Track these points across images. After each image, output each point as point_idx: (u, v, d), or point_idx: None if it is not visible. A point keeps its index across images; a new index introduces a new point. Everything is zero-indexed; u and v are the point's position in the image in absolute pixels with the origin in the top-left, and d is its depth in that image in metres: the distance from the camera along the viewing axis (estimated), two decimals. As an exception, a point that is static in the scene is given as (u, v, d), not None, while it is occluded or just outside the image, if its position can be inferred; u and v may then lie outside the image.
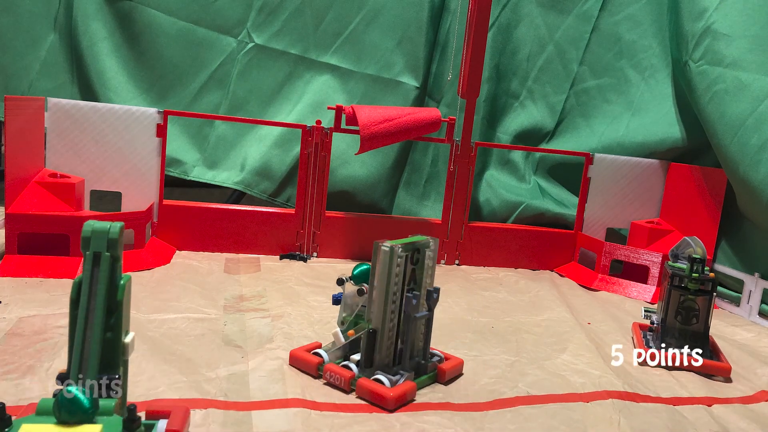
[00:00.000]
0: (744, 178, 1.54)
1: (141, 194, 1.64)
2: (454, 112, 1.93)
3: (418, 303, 0.99)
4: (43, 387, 0.86)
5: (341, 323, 1.02)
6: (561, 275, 1.83)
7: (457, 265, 1.83)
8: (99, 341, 0.66)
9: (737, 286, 1.65)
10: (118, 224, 0.67)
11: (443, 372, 1.01)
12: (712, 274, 1.19)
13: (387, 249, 0.95)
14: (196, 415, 0.82)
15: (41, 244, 1.40)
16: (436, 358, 1.04)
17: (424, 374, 0.99)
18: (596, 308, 1.51)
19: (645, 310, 1.30)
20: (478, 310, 1.41)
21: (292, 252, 1.73)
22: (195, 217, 1.68)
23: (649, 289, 1.66)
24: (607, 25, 2.03)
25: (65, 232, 1.39)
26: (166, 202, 1.67)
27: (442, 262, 1.83)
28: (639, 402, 0.99)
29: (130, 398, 0.85)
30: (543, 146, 2.08)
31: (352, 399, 0.92)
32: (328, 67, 1.97)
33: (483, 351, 1.16)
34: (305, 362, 1.00)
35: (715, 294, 1.19)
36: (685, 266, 1.20)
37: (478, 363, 1.10)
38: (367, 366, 0.97)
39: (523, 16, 2.05)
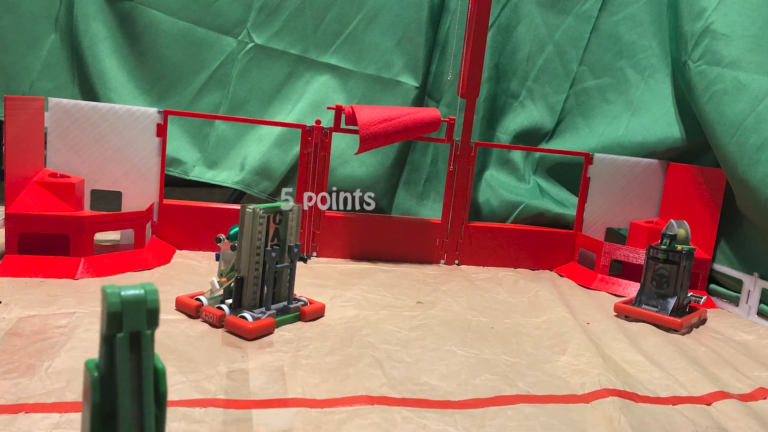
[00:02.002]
0: (743, 178, 1.55)
1: (141, 194, 1.65)
2: (453, 112, 1.93)
3: (278, 255, 1.20)
4: (42, 386, 0.86)
5: (220, 275, 1.22)
6: (560, 275, 1.83)
7: (457, 264, 1.83)
8: None
9: (736, 285, 1.65)
10: (151, 286, 0.50)
11: (304, 313, 1.23)
12: (679, 248, 1.43)
13: (250, 211, 1.16)
14: (195, 413, 0.83)
15: (41, 244, 1.40)
16: (300, 303, 1.25)
17: (288, 314, 1.21)
18: (596, 308, 1.51)
19: None
20: (478, 310, 1.41)
21: (291, 252, 1.73)
22: (195, 217, 1.68)
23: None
24: (606, 25, 2.03)
25: (65, 232, 1.39)
26: (166, 201, 1.67)
27: (442, 262, 1.83)
28: (638, 401, 0.99)
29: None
30: (542, 146, 2.08)
31: (350, 392, 0.92)
32: (327, 67, 1.97)
33: (483, 350, 1.16)
34: (187, 305, 1.19)
35: (684, 265, 1.43)
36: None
37: (479, 361, 1.11)
38: (236, 307, 1.17)
39: (523, 16, 2.06)
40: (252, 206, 1.16)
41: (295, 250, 1.23)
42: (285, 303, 1.23)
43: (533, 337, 1.27)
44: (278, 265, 1.20)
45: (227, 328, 1.13)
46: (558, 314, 1.42)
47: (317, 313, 1.26)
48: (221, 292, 1.21)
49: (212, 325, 1.14)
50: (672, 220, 1.48)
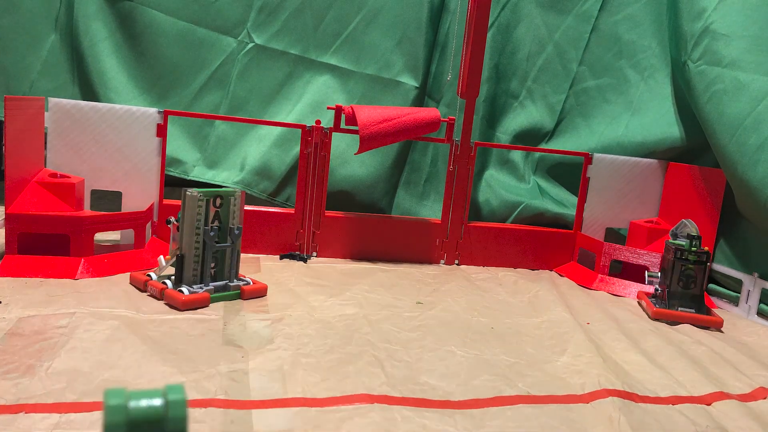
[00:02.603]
0: (742, 178, 1.55)
1: (141, 194, 1.64)
2: (453, 112, 1.93)
3: (216, 235, 1.30)
4: (42, 386, 0.86)
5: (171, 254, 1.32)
6: (560, 275, 1.83)
7: (457, 265, 1.83)
8: None
9: (736, 285, 1.65)
10: (178, 392, 0.34)
11: (244, 291, 1.32)
12: (705, 248, 1.48)
13: (191, 194, 1.26)
14: (195, 413, 0.83)
15: (41, 244, 1.40)
16: (242, 282, 1.34)
17: (227, 291, 1.31)
18: (596, 308, 1.51)
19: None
20: (478, 310, 1.41)
21: (292, 252, 1.73)
22: (195, 217, 1.68)
23: (648, 289, 1.66)
24: (606, 25, 2.03)
25: (65, 232, 1.39)
26: (166, 201, 1.67)
27: (442, 262, 1.83)
28: (638, 402, 0.99)
29: (131, 397, 0.85)
30: (542, 146, 2.08)
31: (351, 391, 0.92)
32: (327, 67, 1.97)
33: (483, 350, 1.16)
34: (137, 279, 1.32)
35: (709, 264, 1.48)
36: (684, 243, 1.48)
37: (479, 361, 1.11)
38: (178, 282, 1.28)
39: (523, 16, 2.06)
40: (192, 190, 1.27)
41: (236, 231, 1.33)
42: (226, 281, 1.32)
43: (533, 337, 1.27)
44: (218, 245, 1.30)
45: (166, 301, 1.25)
46: (558, 314, 1.42)
47: (258, 293, 1.35)
48: (172, 270, 1.31)
49: (155, 297, 1.26)
50: (684, 220, 1.51)
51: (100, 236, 1.63)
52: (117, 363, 0.95)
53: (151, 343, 1.04)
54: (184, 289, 1.25)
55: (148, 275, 1.31)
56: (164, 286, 1.27)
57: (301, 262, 1.68)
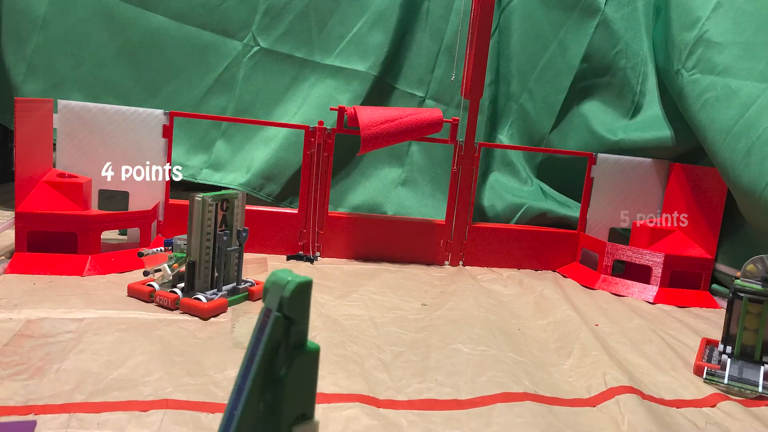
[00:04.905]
0: (735, 182, 1.55)
1: (148, 194, 1.66)
2: (456, 113, 1.94)
3: (229, 239, 1.28)
4: (52, 387, 0.87)
5: (169, 261, 1.28)
6: (564, 276, 1.84)
7: (462, 266, 1.84)
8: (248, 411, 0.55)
9: (739, 286, 1.65)
10: (299, 280, 0.54)
11: (252, 293, 1.33)
12: None
13: (200, 199, 1.21)
14: (202, 418, 0.84)
15: (50, 242, 1.42)
16: (248, 284, 1.34)
17: (238, 294, 1.30)
18: (600, 309, 1.52)
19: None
20: (485, 308, 1.41)
21: (299, 253, 1.74)
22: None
23: (651, 289, 1.67)
24: (608, 24, 2.02)
25: (73, 230, 1.40)
26: (171, 201, 1.69)
27: (446, 263, 1.84)
28: (643, 404, 1.00)
29: (138, 397, 0.86)
30: (544, 147, 2.08)
31: (355, 390, 0.93)
32: (331, 69, 1.98)
33: (489, 349, 1.17)
34: (139, 291, 1.25)
35: None
36: None
37: (485, 357, 1.11)
38: (189, 290, 1.24)
39: (525, 16, 2.05)
40: (201, 195, 1.22)
41: (244, 234, 1.31)
42: (234, 284, 1.31)
43: (539, 338, 1.28)
44: (228, 249, 1.28)
45: (183, 310, 1.21)
46: (563, 315, 1.42)
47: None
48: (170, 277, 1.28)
49: (167, 308, 1.21)
50: (763, 257, 1.26)
51: (109, 235, 1.65)
52: (125, 364, 0.96)
53: (159, 345, 1.05)
54: (201, 296, 1.21)
55: (150, 285, 1.26)
56: (176, 295, 1.22)
57: (308, 263, 1.69)
